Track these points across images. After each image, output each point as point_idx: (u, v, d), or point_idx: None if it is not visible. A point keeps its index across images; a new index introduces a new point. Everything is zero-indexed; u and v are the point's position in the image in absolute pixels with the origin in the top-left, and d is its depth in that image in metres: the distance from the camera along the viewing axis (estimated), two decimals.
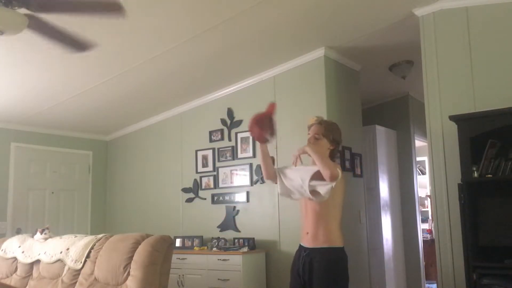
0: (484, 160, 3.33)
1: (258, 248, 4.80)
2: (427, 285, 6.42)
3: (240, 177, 5.17)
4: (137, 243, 3.04)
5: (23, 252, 3.67)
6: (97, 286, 3.08)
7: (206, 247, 5.00)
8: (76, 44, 3.14)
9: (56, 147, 6.11)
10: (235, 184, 5.21)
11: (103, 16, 2.94)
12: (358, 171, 5.10)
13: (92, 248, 3.30)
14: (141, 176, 6.18)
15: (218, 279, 4.56)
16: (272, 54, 4.65)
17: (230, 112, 5.30)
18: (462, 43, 3.78)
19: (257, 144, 5.08)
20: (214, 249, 4.84)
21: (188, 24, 3.75)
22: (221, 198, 5.30)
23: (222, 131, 5.36)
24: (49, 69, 4.25)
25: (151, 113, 6.02)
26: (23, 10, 2.70)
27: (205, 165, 5.49)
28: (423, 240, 6.44)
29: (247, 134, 5.07)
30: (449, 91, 3.82)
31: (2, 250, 3.83)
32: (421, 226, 6.44)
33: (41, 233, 3.73)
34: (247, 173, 5.10)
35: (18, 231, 5.29)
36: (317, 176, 2.57)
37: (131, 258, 2.99)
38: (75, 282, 3.22)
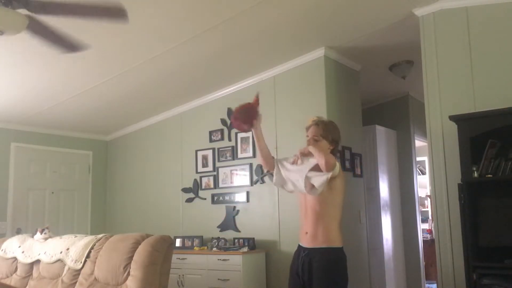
0: (484, 160, 3.33)
1: (258, 248, 4.80)
2: (427, 285, 6.42)
3: (240, 177, 5.17)
4: (137, 243, 3.04)
5: (23, 252, 3.67)
6: (97, 286, 3.08)
7: (206, 247, 5.00)
8: (69, 45, 3.13)
9: (56, 147, 6.11)
10: (235, 184, 5.21)
11: (105, 21, 2.94)
12: (358, 171, 5.10)
13: (92, 248, 3.30)
14: (141, 176, 6.18)
15: (218, 279, 4.56)
16: (272, 54, 4.65)
17: (230, 112, 5.29)
18: (462, 43, 3.78)
19: (257, 149, 5.11)
20: (214, 249, 4.84)
21: (188, 24, 3.75)
22: (221, 198, 5.31)
23: (222, 131, 5.37)
24: (49, 69, 4.25)
25: (151, 113, 6.02)
26: (23, 11, 2.70)
27: (205, 165, 5.49)
28: (423, 240, 6.44)
29: (247, 134, 5.10)
30: (449, 91, 3.82)
31: (2, 250, 3.83)
32: (421, 226, 6.44)
33: (41, 233, 3.73)
34: (247, 173, 5.10)
35: (18, 231, 5.29)
36: (315, 169, 2.59)
37: (131, 258, 2.99)
38: (75, 282, 3.22)
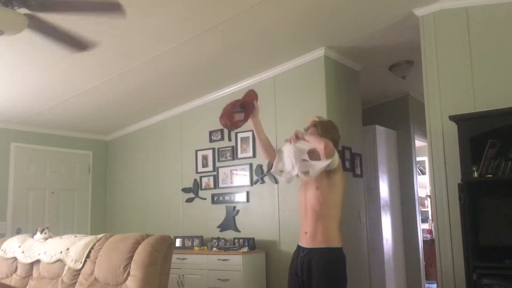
0: (484, 160, 3.33)
1: (258, 248, 4.80)
2: (427, 285, 6.42)
3: (240, 177, 5.17)
4: (137, 243, 3.04)
5: (23, 252, 3.67)
6: (97, 286, 3.08)
7: (206, 247, 5.00)
8: (77, 44, 3.13)
9: (56, 147, 6.11)
10: (235, 184, 5.21)
11: (103, 16, 2.94)
12: (358, 171, 5.10)
13: (92, 248, 3.30)
14: (141, 176, 6.18)
15: (218, 279, 4.56)
16: (272, 54, 4.65)
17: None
18: (462, 43, 3.78)
19: (257, 141, 5.12)
20: (214, 249, 4.84)
21: (188, 24, 3.75)
22: (221, 198, 5.30)
23: (222, 131, 5.36)
24: (49, 69, 4.25)
25: (151, 113, 6.02)
26: (23, 10, 2.70)
27: (205, 165, 5.49)
28: (423, 240, 6.44)
29: (247, 134, 5.10)
30: (449, 91, 3.82)
31: (2, 250, 3.83)
32: (421, 226, 6.44)
33: (41, 233, 3.73)
34: (247, 173, 5.10)
35: (18, 231, 5.29)
36: (313, 157, 2.61)
37: (131, 258, 2.99)
38: (75, 282, 3.22)
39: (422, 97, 4.07)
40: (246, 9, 3.57)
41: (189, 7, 3.48)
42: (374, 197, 5.68)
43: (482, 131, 3.31)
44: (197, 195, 5.52)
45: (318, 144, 2.57)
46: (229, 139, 5.31)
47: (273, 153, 2.88)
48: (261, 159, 4.98)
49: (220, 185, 5.33)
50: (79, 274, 3.24)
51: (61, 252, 3.42)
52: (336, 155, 2.62)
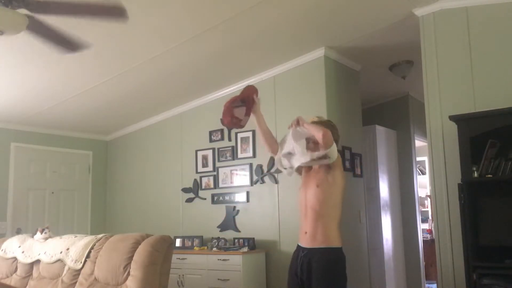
0: (484, 160, 3.33)
1: (258, 248, 4.80)
2: (427, 285, 6.42)
3: (240, 177, 5.17)
4: (137, 243, 3.04)
5: (23, 252, 3.67)
6: (97, 286, 3.08)
7: (206, 247, 5.00)
8: (68, 44, 3.12)
9: (56, 147, 6.11)
10: (235, 184, 5.21)
11: (105, 20, 2.94)
12: (358, 171, 5.10)
13: (92, 248, 3.30)
14: (141, 176, 6.18)
15: (218, 279, 4.56)
16: (272, 54, 4.65)
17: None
18: (462, 43, 3.78)
19: (257, 141, 5.14)
20: (214, 249, 4.84)
21: (188, 24, 3.75)
22: (221, 198, 5.30)
23: (222, 131, 5.36)
24: (49, 69, 4.25)
25: (151, 113, 6.02)
26: (23, 11, 2.70)
27: (205, 165, 5.49)
28: (423, 240, 6.44)
29: (247, 134, 5.10)
30: (449, 91, 3.82)
31: (2, 250, 3.83)
32: (421, 226, 6.44)
33: (41, 233, 3.73)
34: (247, 173, 5.10)
35: (18, 231, 5.29)
36: (311, 147, 2.64)
37: (131, 258, 2.99)
38: (75, 282, 3.22)
39: (422, 97, 4.07)
40: (246, 9, 3.57)
41: (189, 7, 3.48)
42: (374, 197, 5.68)
43: (482, 131, 3.31)
44: (197, 195, 5.52)
45: (317, 132, 2.59)
46: (229, 139, 5.31)
47: (275, 144, 2.90)
48: (261, 159, 4.99)
49: (220, 185, 5.33)
50: (79, 274, 3.24)
51: (61, 252, 3.42)
52: (335, 148, 2.63)
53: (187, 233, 5.44)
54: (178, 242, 5.28)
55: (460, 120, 3.42)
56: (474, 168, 3.31)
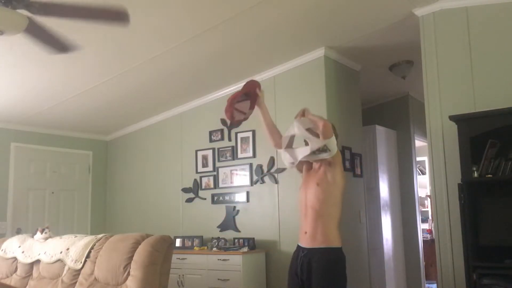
0: (484, 160, 3.33)
1: (258, 248, 4.80)
2: (427, 285, 6.42)
3: (240, 177, 5.17)
4: (137, 243, 3.04)
5: (23, 252, 3.67)
6: (97, 286, 3.08)
7: (206, 247, 5.00)
8: (60, 45, 3.11)
9: (56, 147, 6.11)
10: (235, 184, 5.21)
11: (106, 24, 2.94)
12: (358, 171, 5.10)
13: (92, 248, 3.30)
14: (141, 176, 6.18)
15: (218, 279, 4.56)
16: (272, 54, 4.65)
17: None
18: (462, 43, 3.78)
19: (257, 141, 5.14)
20: (214, 249, 4.84)
21: (188, 24, 3.75)
22: (221, 198, 5.30)
23: (222, 131, 5.36)
24: (49, 69, 4.25)
25: (151, 113, 6.02)
26: (23, 12, 2.70)
27: (205, 165, 5.49)
28: (423, 240, 6.44)
29: (247, 134, 5.10)
30: (449, 91, 3.82)
31: (2, 250, 3.83)
32: (421, 226, 6.44)
33: (42, 233, 3.73)
34: (247, 173, 5.10)
35: (18, 231, 5.29)
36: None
37: (131, 258, 2.99)
38: (75, 282, 3.22)
39: (422, 97, 4.07)
40: (246, 9, 3.57)
41: (189, 7, 3.48)
42: (374, 197, 5.68)
43: (482, 131, 3.31)
44: (197, 195, 5.52)
45: (318, 122, 2.66)
46: (229, 139, 5.31)
47: (279, 139, 2.91)
48: (261, 159, 4.99)
49: (220, 185, 5.33)
50: (79, 274, 3.24)
51: (61, 252, 3.42)
52: (334, 141, 2.66)
53: (187, 233, 5.44)
54: (178, 242, 5.28)
55: (460, 120, 3.42)
56: (474, 168, 3.31)
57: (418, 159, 6.70)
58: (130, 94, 5.19)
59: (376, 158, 5.75)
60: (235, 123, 2.99)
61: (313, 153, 2.66)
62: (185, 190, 5.63)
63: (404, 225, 6.22)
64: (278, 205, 4.83)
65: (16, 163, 5.68)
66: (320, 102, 4.58)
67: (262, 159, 4.98)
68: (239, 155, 5.20)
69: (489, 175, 3.30)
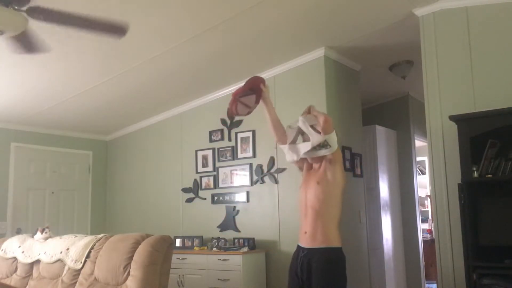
0: (484, 160, 3.33)
1: (258, 248, 4.80)
2: (427, 285, 6.42)
3: (240, 177, 5.17)
4: (137, 243, 3.04)
5: (23, 252, 3.67)
6: (97, 286, 3.08)
7: (206, 247, 5.00)
8: (29, 45, 3.10)
9: (56, 147, 6.11)
10: (235, 184, 5.21)
11: (104, 35, 2.96)
12: (358, 171, 5.10)
13: (92, 248, 3.30)
14: (141, 176, 6.18)
15: (218, 279, 4.56)
16: (272, 54, 4.65)
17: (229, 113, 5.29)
18: (462, 43, 3.78)
19: (257, 141, 5.14)
20: (214, 249, 4.84)
21: (188, 24, 3.75)
22: (221, 198, 5.30)
23: (222, 131, 5.37)
24: (49, 69, 4.25)
25: (151, 113, 6.02)
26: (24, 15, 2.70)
27: (205, 165, 5.49)
28: (423, 240, 6.44)
29: (247, 134, 5.10)
30: (449, 91, 3.82)
31: (2, 250, 3.83)
32: (421, 226, 6.44)
33: (42, 232, 3.73)
34: (247, 173, 5.10)
35: (18, 231, 5.29)
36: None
37: (131, 258, 2.99)
38: (75, 282, 3.22)
39: (422, 97, 4.07)
40: (246, 9, 3.57)
41: (189, 7, 3.48)
42: (374, 197, 5.68)
43: (482, 131, 3.31)
44: (197, 195, 5.52)
45: (320, 117, 2.69)
46: (229, 139, 5.31)
47: (283, 135, 2.91)
48: (261, 159, 4.99)
49: (220, 185, 5.33)
50: (79, 274, 3.24)
51: (61, 252, 3.42)
52: (335, 137, 2.67)
53: (187, 233, 5.44)
54: (178, 242, 5.28)
55: (460, 120, 3.42)
56: (474, 168, 3.31)
57: (418, 159, 6.70)
58: (130, 94, 5.19)
59: (376, 158, 5.75)
60: (238, 114, 3.01)
61: (314, 148, 2.67)
62: (185, 190, 5.63)
63: (404, 225, 6.22)
64: (278, 205, 4.83)
65: (16, 163, 5.68)
66: (320, 102, 4.58)
67: (262, 159, 4.98)
68: (239, 155, 5.20)
69: (489, 175, 3.30)
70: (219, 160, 5.37)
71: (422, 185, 7.60)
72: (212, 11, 3.57)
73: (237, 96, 2.85)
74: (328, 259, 2.61)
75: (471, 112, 3.50)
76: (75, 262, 3.28)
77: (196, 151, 5.58)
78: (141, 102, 5.54)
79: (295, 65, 4.82)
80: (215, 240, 5.01)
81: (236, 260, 4.49)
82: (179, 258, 4.82)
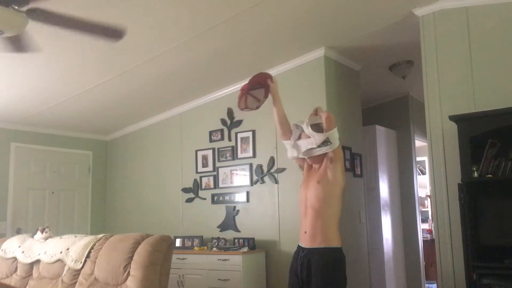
0: (484, 160, 3.33)
1: (258, 248, 4.80)
2: (427, 285, 6.42)
3: (240, 177, 5.17)
4: (137, 243, 3.05)
5: (23, 252, 3.67)
6: (97, 286, 3.08)
7: (206, 247, 5.00)
8: (19, 45, 3.10)
9: (56, 147, 6.11)
10: (235, 184, 5.21)
11: (101, 39, 2.97)
12: (358, 171, 5.10)
13: (92, 248, 3.30)
14: (141, 176, 6.18)
15: (218, 279, 4.56)
16: (272, 54, 4.65)
17: (230, 112, 5.30)
18: (462, 43, 3.78)
19: (257, 141, 5.14)
20: (214, 249, 4.84)
21: (188, 24, 3.75)
22: (221, 198, 5.30)
23: (222, 131, 5.36)
24: (49, 69, 4.25)
25: (151, 113, 6.02)
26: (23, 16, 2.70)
27: (205, 165, 5.49)
28: (423, 240, 6.44)
29: (247, 134, 5.10)
30: (449, 91, 3.82)
31: (2, 250, 3.83)
32: (421, 226, 6.44)
33: (42, 232, 3.73)
34: (247, 173, 5.10)
35: (18, 231, 5.30)
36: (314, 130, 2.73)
37: (131, 258, 2.99)
38: (75, 282, 3.22)
39: (422, 97, 4.07)
40: (246, 9, 3.57)
41: (189, 7, 3.48)
42: (374, 197, 5.68)
43: (482, 131, 3.31)
44: (197, 195, 5.52)
45: (323, 114, 2.71)
46: (229, 139, 5.31)
47: (288, 131, 2.94)
48: (261, 159, 4.99)
49: (220, 185, 5.33)
50: (79, 274, 3.24)
51: (61, 252, 3.42)
52: (336, 134, 2.68)
53: (187, 233, 5.44)
54: (178, 242, 5.28)
55: (460, 120, 3.43)
56: (474, 168, 3.31)
57: (418, 159, 6.70)
58: (130, 94, 5.19)
59: (376, 158, 5.75)
60: (247, 108, 3.04)
61: (317, 145, 2.68)
62: (185, 190, 5.63)
63: (404, 225, 6.22)
64: (278, 205, 4.83)
65: (16, 163, 5.68)
66: (320, 102, 4.57)
67: (262, 159, 4.98)
68: (239, 155, 5.20)
69: (489, 175, 3.30)
70: (219, 160, 5.37)
71: (422, 185, 7.60)
72: (212, 11, 3.57)
73: (246, 90, 2.88)
74: (328, 259, 2.61)
75: (471, 112, 3.50)
76: (75, 262, 3.28)
77: (196, 151, 5.58)
78: (141, 102, 5.54)
79: (295, 65, 4.82)
80: (215, 240, 5.01)
81: (236, 260, 4.49)
82: (179, 258, 4.82)
